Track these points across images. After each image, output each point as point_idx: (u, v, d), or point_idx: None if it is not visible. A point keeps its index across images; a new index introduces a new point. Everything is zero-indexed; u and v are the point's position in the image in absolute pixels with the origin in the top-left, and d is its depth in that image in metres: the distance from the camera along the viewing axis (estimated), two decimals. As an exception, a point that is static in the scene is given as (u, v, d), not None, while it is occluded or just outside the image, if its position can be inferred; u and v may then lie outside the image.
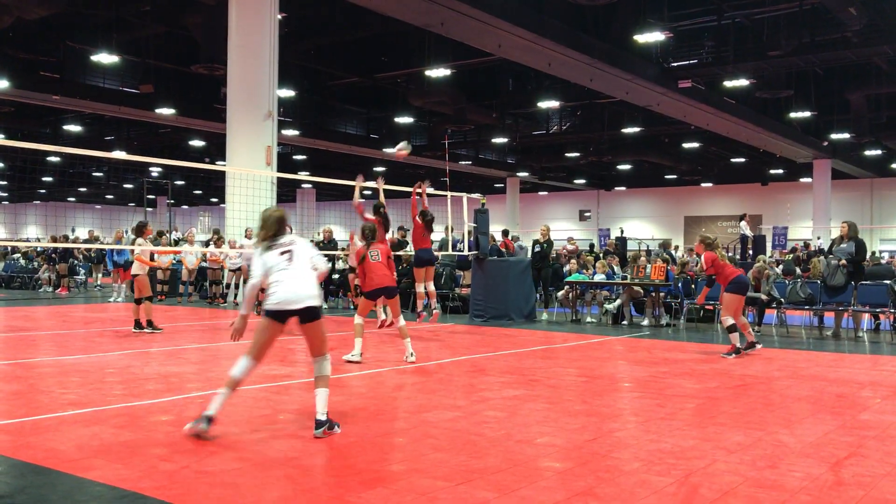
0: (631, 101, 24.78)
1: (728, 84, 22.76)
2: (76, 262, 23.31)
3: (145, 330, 11.10)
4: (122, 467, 4.24)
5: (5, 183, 48.61)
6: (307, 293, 5.09)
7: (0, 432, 5.03)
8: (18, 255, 24.75)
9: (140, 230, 11.72)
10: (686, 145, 34.10)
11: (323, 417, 5.04)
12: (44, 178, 44.20)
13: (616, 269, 15.07)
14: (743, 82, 22.48)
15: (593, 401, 6.49)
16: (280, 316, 5.10)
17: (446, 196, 14.60)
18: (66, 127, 30.83)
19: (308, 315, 5.10)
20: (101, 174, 44.85)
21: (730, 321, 9.55)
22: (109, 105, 25.51)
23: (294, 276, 5.10)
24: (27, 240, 42.66)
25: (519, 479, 4.16)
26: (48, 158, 35.99)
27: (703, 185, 42.74)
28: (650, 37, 19.12)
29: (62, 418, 5.45)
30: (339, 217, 51.33)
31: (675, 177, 42.00)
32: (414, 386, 7.10)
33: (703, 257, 9.91)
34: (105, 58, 20.79)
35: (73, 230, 45.05)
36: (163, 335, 10.91)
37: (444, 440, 4.99)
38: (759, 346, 9.85)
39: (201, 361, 8.48)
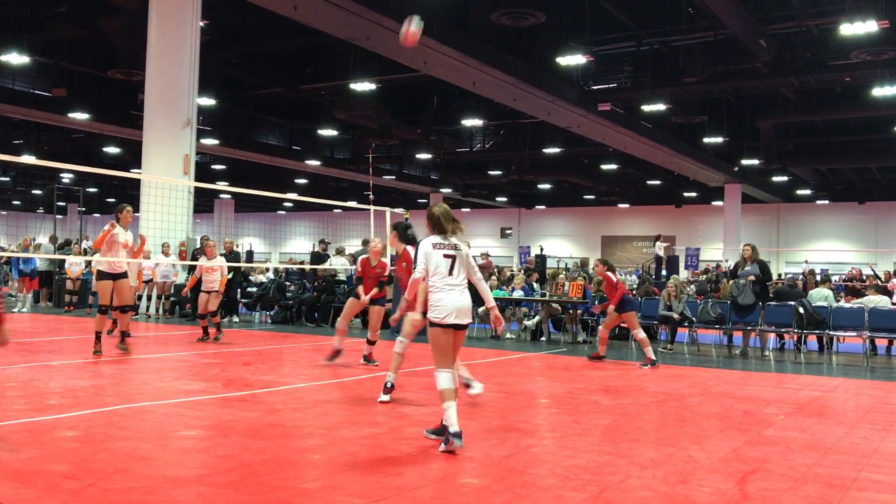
0: (552, 122, 25.28)
1: (646, 108, 23.48)
2: None
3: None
4: (21, 486, 4.04)
5: None
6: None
7: None
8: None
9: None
10: (604, 167, 34.96)
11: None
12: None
13: (535, 286, 15.27)
14: (660, 107, 23.22)
15: (511, 416, 6.54)
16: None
17: (369, 210, 14.55)
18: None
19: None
20: (7, 179, 43.00)
21: (640, 334, 10.60)
22: (19, 107, 24.50)
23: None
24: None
25: (437, 495, 4.15)
26: (-50, 161, 34.31)
27: (620, 205, 43.87)
28: (572, 59, 19.57)
29: (-43, 435, 5.16)
30: (258, 229, 50.62)
31: (593, 197, 42.99)
32: (332, 403, 7.01)
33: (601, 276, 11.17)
34: (15, 58, 20.00)
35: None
36: (72, 347, 10.48)
37: (362, 456, 4.94)
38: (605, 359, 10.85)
39: (111, 375, 8.18)
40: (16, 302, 18.15)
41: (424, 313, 6.63)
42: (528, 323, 14.28)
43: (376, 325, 9.64)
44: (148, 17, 15.06)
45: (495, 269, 21.35)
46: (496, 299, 14.67)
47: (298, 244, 45.52)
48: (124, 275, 9.91)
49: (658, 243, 24.63)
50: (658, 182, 38.56)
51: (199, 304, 11.97)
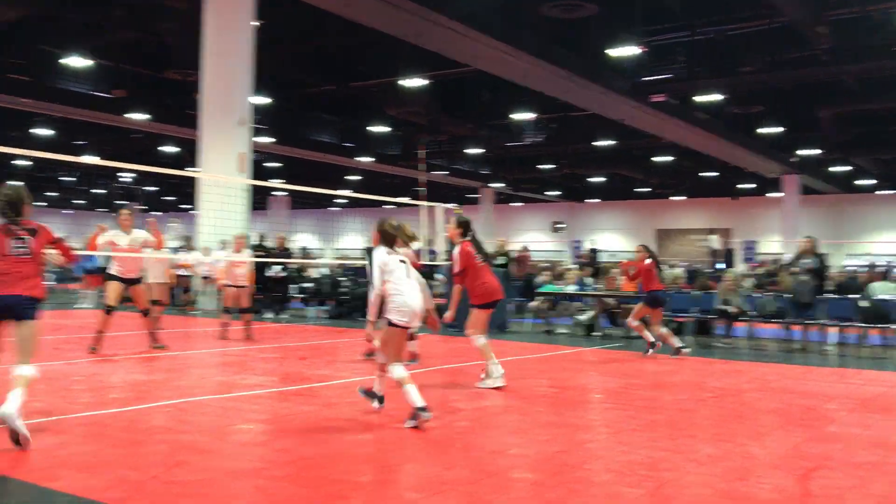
0: (604, 114, 25.00)
1: (700, 99, 23.04)
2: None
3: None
4: (88, 477, 4.17)
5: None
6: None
7: (-38, 441, 4.92)
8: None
9: None
10: (658, 159, 34.43)
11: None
12: (12, 182, 43.50)
13: (589, 280, 15.15)
14: (715, 97, 22.76)
15: (565, 412, 6.50)
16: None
17: (422, 206, 14.59)
18: (35, 130, 30.37)
19: None
20: (71, 179, 44.25)
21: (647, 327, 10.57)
22: (80, 109, 25.20)
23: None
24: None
25: (491, 489, 4.15)
26: (15, 162, 35.52)
27: (674, 198, 43.18)
28: (624, 51, 19.29)
29: (28, 427, 5.34)
30: (312, 225, 51.20)
31: (646, 190, 42.39)
32: (389, 395, 7.05)
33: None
34: (76, 61, 20.56)
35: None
36: (133, 342, 10.76)
37: (416, 451, 4.97)
38: (651, 352, 10.53)
39: (170, 370, 8.37)
40: (81, 298, 18.70)
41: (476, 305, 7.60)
42: (582, 318, 14.18)
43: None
44: (203, 18, 15.32)
45: (549, 265, 21.21)
46: (548, 294, 14.61)
47: (352, 240, 45.93)
48: (138, 280, 9.78)
49: (711, 236, 24.18)
50: (713, 174, 37.79)
51: (226, 298, 11.90)
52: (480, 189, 42.17)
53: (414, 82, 22.22)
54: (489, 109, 28.80)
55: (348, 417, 6.00)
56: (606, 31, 19.57)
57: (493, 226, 42.73)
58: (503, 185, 40.35)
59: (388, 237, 6.17)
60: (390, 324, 5.87)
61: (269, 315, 15.97)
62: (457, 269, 7.77)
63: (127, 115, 24.99)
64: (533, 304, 14.96)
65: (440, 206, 14.73)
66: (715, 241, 23.92)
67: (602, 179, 40.34)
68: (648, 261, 10.69)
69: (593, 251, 27.06)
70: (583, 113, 26.78)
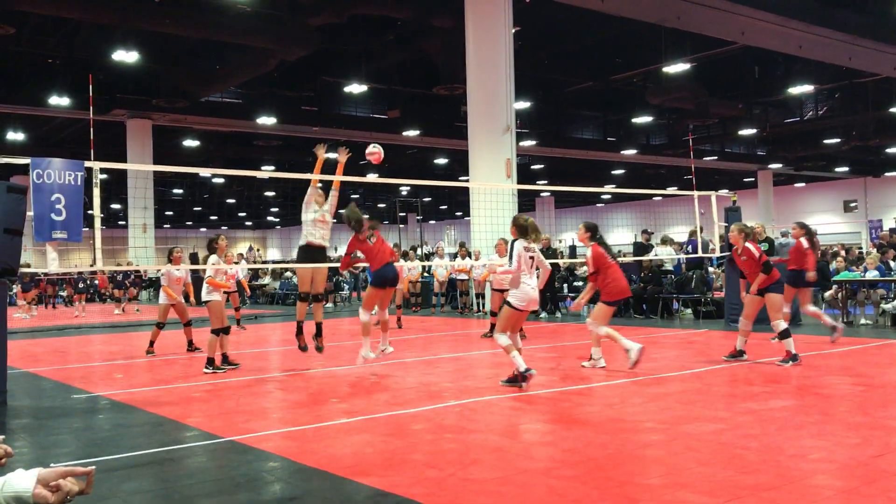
0: (900, 76, 22.31)
1: None
2: (341, 278, 25.28)
3: (221, 368, 9.31)
4: (393, 473, 4.51)
5: (277, 209, 53.97)
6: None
7: (288, 439, 5.57)
8: (290, 273, 27.31)
9: (211, 246, 9.82)
10: (972, 119, 30.00)
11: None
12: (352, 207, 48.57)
13: (892, 264, 13.60)
14: None
15: (875, 412, 5.88)
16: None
17: (693, 195, 14.00)
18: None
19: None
20: (356, 196, 48.32)
21: (782, 325, 8.67)
22: (362, 131, 27.52)
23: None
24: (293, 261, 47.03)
25: (795, 497, 3.87)
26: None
27: None
28: (920, 2, 17.11)
29: (338, 426, 5.92)
30: (578, 223, 51.27)
31: (958, 156, 37.08)
32: (670, 396, 6.86)
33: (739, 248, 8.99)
34: (356, 88, 22.45)
35: (335, 249, 48.98)
36: (421, 345, 11.50)
37: (707, 453, 4.77)
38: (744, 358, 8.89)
39: (456, 371, 8.81)
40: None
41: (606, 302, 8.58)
42: (888, 307, 12.74)
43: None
44: (465, 32, 15.98)
45: (839, 248, 19.35)
46: (845, 281, 13.39)
47: (620, 235, 45.27)
48: (186, 298, 11.39)
49: None
50: None
51: (492, 301, 12.33)
52: (757, 172, 39.51)
53: (677, 68, 21.44)
54: (760, 86, 26.99)
55: (631, 418, 5.92)
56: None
57: (773, 210, 39.83)
58: (782, 165, 37.46)
59: (523, 230, 7.24)
60: (509, 304, 7.16)
61: (543, 314, 16.22)
62: (591, 270, 8.56)
63: (402, 133, 26.79)
64: (828, 293, 13.73)
65: (713, 194, 14.04)
66: None
67: (901, 149, 35.98)
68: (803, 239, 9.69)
69: None
70: (872, 78, 24.13)
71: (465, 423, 5.86)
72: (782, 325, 8.67)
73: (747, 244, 8.86)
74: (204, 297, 9.67)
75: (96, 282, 28.54)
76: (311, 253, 9.07)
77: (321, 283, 9.36)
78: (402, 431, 5.65)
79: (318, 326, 9.21)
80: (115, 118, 25.30)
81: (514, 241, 7.26)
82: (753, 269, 8.77)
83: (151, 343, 11.32)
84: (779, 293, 8.83)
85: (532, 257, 7.20)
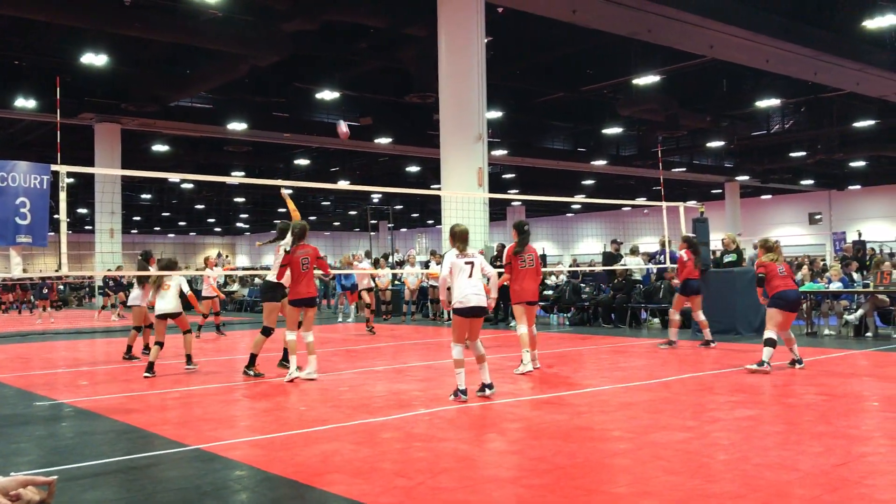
0: (862, 92, 22.78)
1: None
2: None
3: (188, 366, 9.89)
4: (362, 482, 4.49)
5: (246, 216, 53.61)
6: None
7: (255, 447, 5.52)
8: (260, 281, 27.13)
9: (146, 258, 10.86)
10: (932, 135, 30.70)
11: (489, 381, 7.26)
12: (279, 210, 48.29)
13: (856, 276, 13.84)
14: None
15: (838, 422, 5.97)
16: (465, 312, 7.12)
17: (662, 206, 14.16)
18: (296, 161, 33.49)
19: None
20: (328, 203, 48.17)
21: (769, 334, 8.86)
22: (333, 138, 27.40)
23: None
24: (266, 267, 46.72)
25: (760, 506, 3.92)
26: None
27: (957, 177, 38.18)
28: (882, 21, 17.47)
29: (307, 434, 5.89)
30: (549, 232, 51.53)
31: (919, 171, 37.89)
32: (638, 405, 6.92)
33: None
34: (328, 94, 22.39)
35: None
36: (390, 353, 11.47)
37: (675, 462, 4.81)
38: (799, 366, 8.97)
39: (426, 379, 8.80)
40: (339, 314, 20.25)
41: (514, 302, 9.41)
42: (850, 317, 12.97)
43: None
44: (438, 41, 16.03)
45: (805, 260, 19.66)
46: (810, 292, 13.58)
47: (589, 245, 45.58)
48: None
49: None
50: None
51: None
52: (724, 183, 40.04)
53: (647, 80, 21.70)
54: (729, 99, 27.40)
55: (599, 427, 5.95)
56: (859, 1, 17.87)
57: (740, 221, 40.37)
58: (749, 177, 38.01)
59: (455, 239, 7.37)
60: (454, 312, 7.17)
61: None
62: (505, 261, 9.52)
63: (374, 140, 26.75)
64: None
65: (681, 205, 14.21)
66: None
67: (864, 163, 36.72)
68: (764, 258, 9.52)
69: (859, 243, 24.66)
70: (836, 93, 24.61)
71: (434, 432, 5.86)
72: (769, 334, 8.89)
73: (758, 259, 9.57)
74: (132, 301, 11.26)
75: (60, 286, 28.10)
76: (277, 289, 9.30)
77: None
78: (372, 440, 5.63)
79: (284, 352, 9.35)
80: (82, 122, 24.97)
81: (447, 252, 7.50)
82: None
83: (129, 348, 11.34)
84: (773, 308, 9.00)
85: (469, 263, 7.25)
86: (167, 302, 9.86)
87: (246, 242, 67.16)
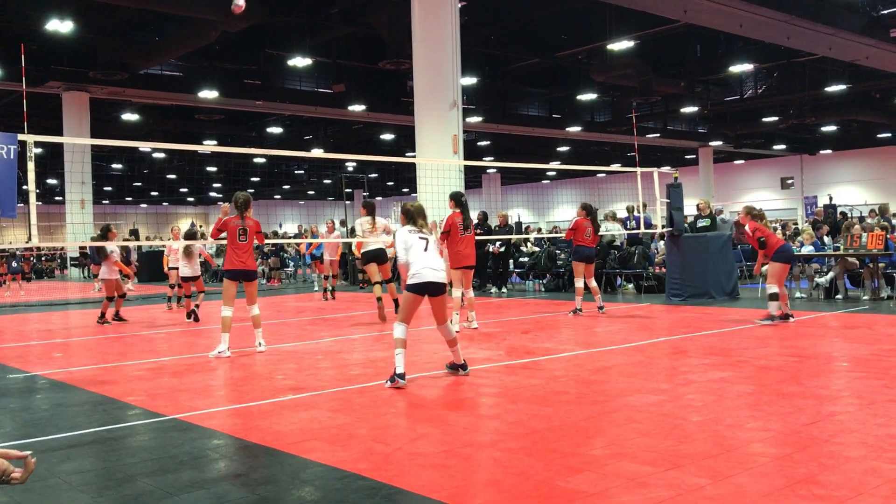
0: (835, 56, 22.89)
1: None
2: (286, 255, 25.05)
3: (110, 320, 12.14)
4: (339, 449, 4.52)
5: (219, 185, 53.05)
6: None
7: (233, 416, 5.52)
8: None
9: (105, 233, 12.06)
10: (902, 99, 31.01)
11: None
12: (252, 179, 47.85)
13: (826, 239, 14.02)
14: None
15: (808, 382, 6.09)
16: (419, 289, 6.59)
17: (636, 172, 14.21)
18: (269, 129, 33.12)
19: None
20: (301, 171, 47.78)
21: (774, 289, 9.67)
22: (306, 106, 27.13)
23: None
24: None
25: (732, 464, 3.99)
26: (255, 160, 38.90)
27: (926, 141, 38.66)
28: (856, -16, 17.54)
29: (284, 403, 5.90)
30: (524, 199, 51.61)
31: (889, 135, 38.31)
32: (614, 369, 7.00)
33: (747, 226, 9.94)
34: (300, 61, 22.09)
35: (280, 225, 48.41)
36: (367, 320, 11.49)
37: (649, 424, 4.89)
38: (792, 320, 9.82)
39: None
40: (315, 283, 20.21)
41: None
42: (821, 280, 13.17)
43: None
44: (411, 6, 15.83)
45: (777, 224, 19.88)
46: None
47: (564, 212, 45.73)
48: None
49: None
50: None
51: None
52: (698, 149, 40.26)
53: (621, 45, 21.62)
54: (703, 64, 27.43)
55: (575, 391, 6.02)
56: (833, -35, 17.90)
57: (714, 186, 40.67)
58: (722, 142, 38.24)
59: (409, 216, 6.92)
60: (407, 286, 6.67)
61: (493, 290, 16.37)
62: (442, 230, 10.06)
63: (348, 108, 26.49)
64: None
65: (655, 171, 14.27)
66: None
67: (835, 128, 37.06)
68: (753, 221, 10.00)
69: (830, 207, 24.97)
70: (809, 57, 24.72)
71: (411, 398, 5.89)
72: (772, 288, 9.69)
73: (747, 226, 9.90)
74: (102, 275, 12.30)
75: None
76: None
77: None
78: (349, 407, 5.65)
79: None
80: (49, 90, 24.46)
81: (398, 230, 6.98)
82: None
83: (103, 314, 12.30)
84: (780, 262, 9.75)
85: (424, 239, 6.72)
86: (187, 269, 12.73)
87: (219, 212, 66.55)
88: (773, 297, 9.67)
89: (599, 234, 16.29)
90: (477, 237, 11.96)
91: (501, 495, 3.64)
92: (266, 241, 10.16)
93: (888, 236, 12.38)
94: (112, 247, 12.03)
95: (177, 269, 15.39)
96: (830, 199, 29.26)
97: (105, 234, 12.10)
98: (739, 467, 3.95)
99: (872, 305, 11.68)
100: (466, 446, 4.52)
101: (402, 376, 6.28)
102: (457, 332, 9.46)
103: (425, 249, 6.67)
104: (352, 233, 21.24)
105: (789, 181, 44.31)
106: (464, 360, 6.89)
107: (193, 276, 12.82)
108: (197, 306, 12.73)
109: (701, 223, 14.16)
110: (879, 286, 12.63)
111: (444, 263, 6.99)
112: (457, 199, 10.11)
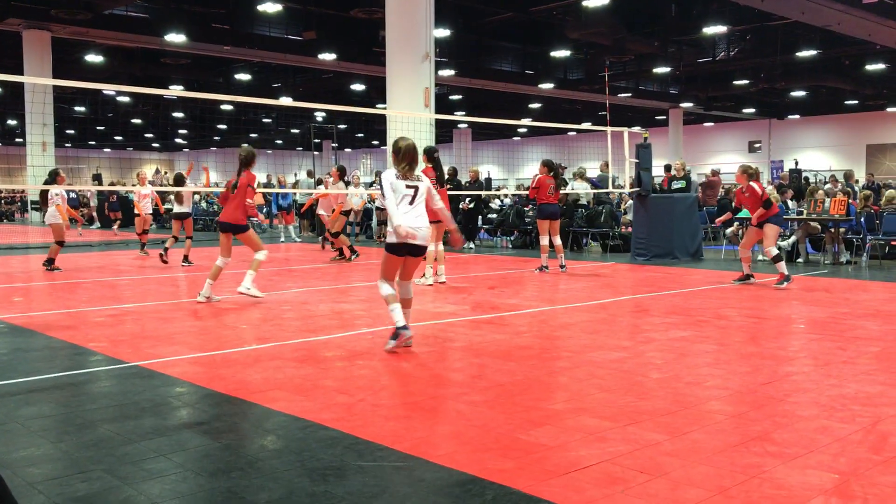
0: (807, 21, 22.91)
1: (922, -4, 20.54)
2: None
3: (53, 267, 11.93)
4: (303, 399, 4.53)
5: (185, 132, 52.12)
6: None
7: (196, 364, 5.50)
8: (199, 198, 26.56)
9: (53, 177, 11.81)
10: (870, 67, 31.25)
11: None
12: (219, 126, 47.01)
13: (791, 203, 14.22)
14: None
15: (766, 343, 6.22)
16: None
17: (606, 131, 14.22)
18: (237, 76, 32.46)
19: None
20: (269, 120, 47.04)
21: (775, 251, 9.89)
22: (275, 53, 26.56)
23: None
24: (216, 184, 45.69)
25: (689, 421, 4.08)
26: (222, 107, 38.20)
27: (890, 109, 39.13)
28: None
29: (248, 353, 5.88)
30: (495, 156, 51.46)
31: (856, 102, 38.71)
32: (577, 326, 7.08)
33: (751, 185, 10.03)
34: (270, 7, 21.59)
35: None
36: (336, 272, 11.46)
37: (610, 380, 4.96)
38: (753, 280, 10.20)
39: (370, 299, 8.82)
40: (281, 234, 20.07)
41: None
42: (783, 243, 13.38)
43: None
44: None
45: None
46: (746, 219, 13.92)
47: (534, 169, 45.71)
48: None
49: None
50: (937, 80, 33.81)
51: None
52: (669, 110, 40.35)
53: (596, 2, 21.42)
54: (677, 25, 27.31)
55: (539, 346, 6.08)
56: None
57: (682, 148, 40.89)
58: (693, 104, 38.34)
59: (397, 156, 5.99)
60: (386, 246, 6.03)
61: (469, 245, 16.40)
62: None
63: (318, 56, 26.02)
64: (729, 230, 14.28)
65: (625, 130, 14.29)
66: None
67: (804, 93, 37.31)
68: (752, 183, 10.12)
69: (795, 171, 25.28)
70: (781, 21, 24.74)
71: (376, 351, 5.91)
72: (774, 251, 9.87)
73: (751, 183, 9.92)
74: (48, 219, 12.07)
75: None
76: None
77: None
78: (314, 358, 5.65)
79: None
80: (9, 27, 23.67)
81: (385, 171, 6.11)
82: (755, 204, 9.84)
83: (52, 260, 11.99)
84: (777, 225, 10.04)
85: (413, 187, 5.91)
86: (181, 207, 13.19)
87: (185, 158, 65.47)
88: (778, 258, 9.84)
89: (566, 191, 16.39)
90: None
91: (463, 447, 3.68)
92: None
93: (850, 202, 12.59)
94: (57, 190, 11.79)
95: (140, 215, 15.18)
96: (796, 163, 29.61)
97: (53, 178, 11.78)
98: (697, 424, 4.03)
99: (832, 270, 11.91)
100: (430, 399, 4.56)
101: (404, 328, 5.87)
102: (429, 284, 9.76)
103: (411, 202, 5.89)
104: (318, 183, 21.05)
105: (757, 145, 44.69)
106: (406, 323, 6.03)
107: (185, 213, 13.26)
108: (166, 249, 12.96)
109: (676, 185, 14.29)
110: (839, 251, 12.88)
111: (427, 221, 6.02)
112: (430, 155, 10.00)
